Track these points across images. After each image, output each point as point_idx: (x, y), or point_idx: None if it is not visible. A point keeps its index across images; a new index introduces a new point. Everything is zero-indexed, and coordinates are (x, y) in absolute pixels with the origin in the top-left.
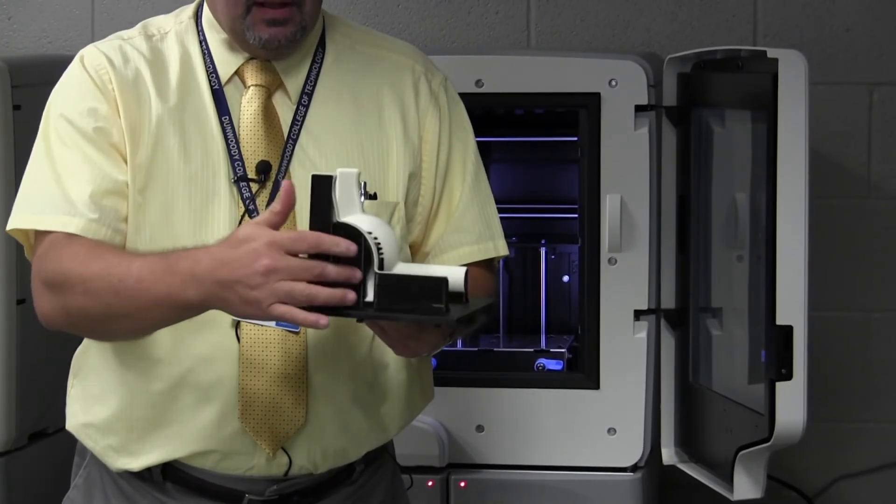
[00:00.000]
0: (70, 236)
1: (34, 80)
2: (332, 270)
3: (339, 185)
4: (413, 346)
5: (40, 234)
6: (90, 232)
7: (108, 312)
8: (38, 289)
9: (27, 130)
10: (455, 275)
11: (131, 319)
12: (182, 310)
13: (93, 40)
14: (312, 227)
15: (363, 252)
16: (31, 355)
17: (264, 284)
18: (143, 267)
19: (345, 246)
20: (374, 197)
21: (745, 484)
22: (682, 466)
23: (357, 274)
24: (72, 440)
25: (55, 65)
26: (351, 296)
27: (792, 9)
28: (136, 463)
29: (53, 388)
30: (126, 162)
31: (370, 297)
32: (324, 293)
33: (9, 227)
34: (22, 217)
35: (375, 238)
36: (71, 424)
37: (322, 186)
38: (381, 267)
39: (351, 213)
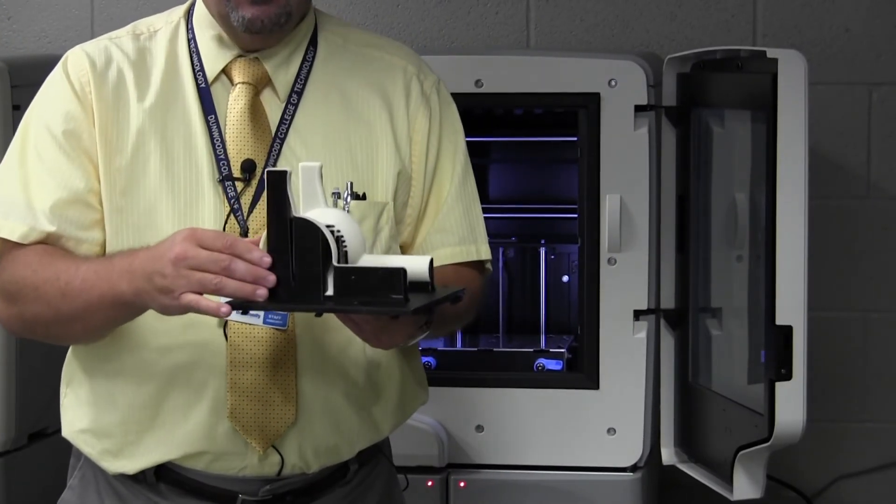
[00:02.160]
0: (26, 245)
1: (34, 80)
2: (240, 266)
3: (302, 179)
4: (385, 338)
5: (5, 239)
6: (49, 243)
7: (58, 316)
8: None
9: None
10: (417, 265)
11: (81, 321)
12: (120, 306)
13: None
14: (269, 223)
15: (321, 246)
16: (31, 356)
17: (175, 273)
18: (89, 269)
19: (258, 256)
20: (363, 197)
21: (745, 484)
22: (681, 466)
23: (270, 278)
24: None
25: (55, 65)
26: (261, 291)
27: (791, 9)
28: (132, 466)
29: (53, 388)
30: (97, 167)
31: (330, 290)
32: (232, 285)
33: None
34: None
35: (338, 231)
36: (67, 432)
37: (277, 182)
38: (344, 260)
39: (314, 207)
